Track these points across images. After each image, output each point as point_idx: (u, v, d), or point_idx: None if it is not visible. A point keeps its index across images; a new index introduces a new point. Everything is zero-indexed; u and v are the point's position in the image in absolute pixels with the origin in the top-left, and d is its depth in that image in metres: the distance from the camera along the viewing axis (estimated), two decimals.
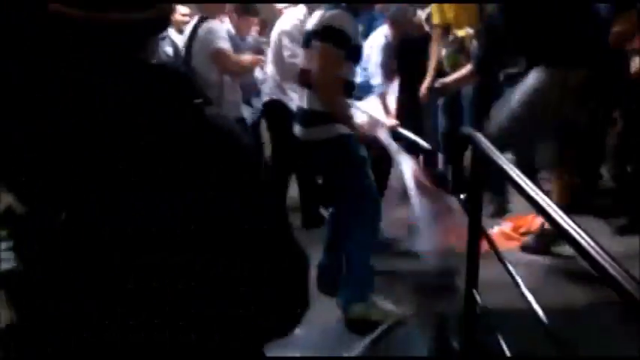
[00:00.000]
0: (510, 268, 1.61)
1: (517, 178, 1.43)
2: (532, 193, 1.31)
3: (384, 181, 3.15)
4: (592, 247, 0.85)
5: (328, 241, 2.75)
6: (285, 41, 3.44)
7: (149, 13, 0.72)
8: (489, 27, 3.03)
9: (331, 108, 2.43)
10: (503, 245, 2.80)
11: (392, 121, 3.49)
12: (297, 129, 2.57)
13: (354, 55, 2.48)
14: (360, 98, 3.41)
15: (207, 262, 0.69)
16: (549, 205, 1.21)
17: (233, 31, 3.76)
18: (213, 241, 0.69)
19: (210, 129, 0.73)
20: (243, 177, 0.74)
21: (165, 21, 0.78)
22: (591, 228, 1.06)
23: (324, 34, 2.38)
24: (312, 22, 2.53)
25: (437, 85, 3.32)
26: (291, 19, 3.54)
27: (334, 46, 2.35)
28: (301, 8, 3.59)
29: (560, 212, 1.08)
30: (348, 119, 2.47)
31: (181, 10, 4.84)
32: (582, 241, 0.89)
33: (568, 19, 2.62)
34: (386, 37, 4.03)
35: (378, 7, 4.91)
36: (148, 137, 0.67)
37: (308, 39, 2.50)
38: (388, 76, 3.98)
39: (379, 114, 3.42)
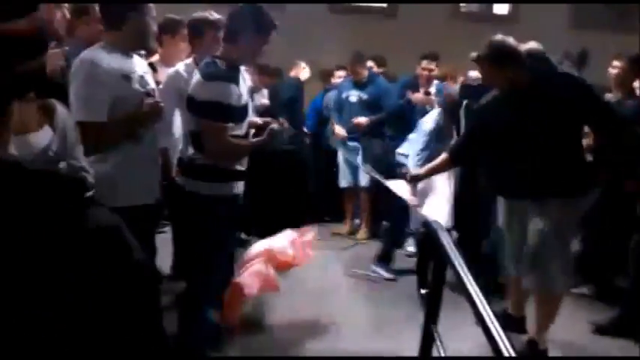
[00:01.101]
0: None
1: (469, 286, 1.37)
2: (479, 303, 1.26)
3: None
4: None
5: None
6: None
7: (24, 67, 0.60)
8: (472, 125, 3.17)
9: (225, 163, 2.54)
10: None
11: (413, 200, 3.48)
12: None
13: (237, 114, 2.47)
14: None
15: None
16: (492, 323, 1.16)
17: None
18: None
19: (88, 241, 0.62)
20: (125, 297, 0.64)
21: (33, 80, 0.65)
22: None
23: (204, 109, 2.40)
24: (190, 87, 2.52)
25: (409, 176, 3.37)
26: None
27: (216, 122, 2.39)
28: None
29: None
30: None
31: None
32: None
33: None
34: (436, 122, 4.05)
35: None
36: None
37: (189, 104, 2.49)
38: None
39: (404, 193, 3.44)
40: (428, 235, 1.95)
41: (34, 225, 0.58)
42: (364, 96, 5.10)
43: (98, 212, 0.66)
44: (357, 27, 7.01)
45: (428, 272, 2.12)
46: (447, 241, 1.67)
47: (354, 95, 5.12)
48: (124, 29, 2.37)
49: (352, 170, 5.21)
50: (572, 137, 2.82)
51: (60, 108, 2.07)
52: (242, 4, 2.49)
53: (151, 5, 2.44)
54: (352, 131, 5.09)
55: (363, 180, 5.13)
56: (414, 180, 3.35)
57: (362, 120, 5.00)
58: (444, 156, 3.22)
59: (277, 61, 5.23)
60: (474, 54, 2.92)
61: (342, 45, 6.12)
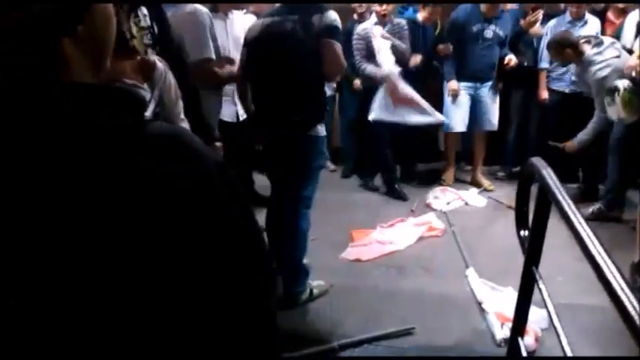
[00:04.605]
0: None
1: (577, 224, 1.33)
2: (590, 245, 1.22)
3: None
4: (630, 303, 0.79)
5: None
6: None
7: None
8: None
9: None
10: None
11: None
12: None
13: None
14: None
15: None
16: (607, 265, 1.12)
17: None
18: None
19: (149, 150, 0.57)
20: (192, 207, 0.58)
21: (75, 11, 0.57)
22: None
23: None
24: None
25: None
26: None
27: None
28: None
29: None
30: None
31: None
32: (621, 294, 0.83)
33: None
34: None
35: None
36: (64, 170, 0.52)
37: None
38: None
39: None
40: (529, 172, 1.91)
41: (96, 135, 0.54)
42: (500, 32, 4.49)
43: (160, 124, 0.63)
44: None
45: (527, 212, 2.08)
46: (552, 179, 1.64)
47: (489, 30, 4.48)
48: None
49: (478, 113, 4.71)
50: None
51: (160, 65, 2.01)
52: None
53: None
54: (489, 70, 4.55)
55: (488, 123, 4.69)
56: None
57: (514, 59, 4.45)
58: None
59: None
60: None
61: None
